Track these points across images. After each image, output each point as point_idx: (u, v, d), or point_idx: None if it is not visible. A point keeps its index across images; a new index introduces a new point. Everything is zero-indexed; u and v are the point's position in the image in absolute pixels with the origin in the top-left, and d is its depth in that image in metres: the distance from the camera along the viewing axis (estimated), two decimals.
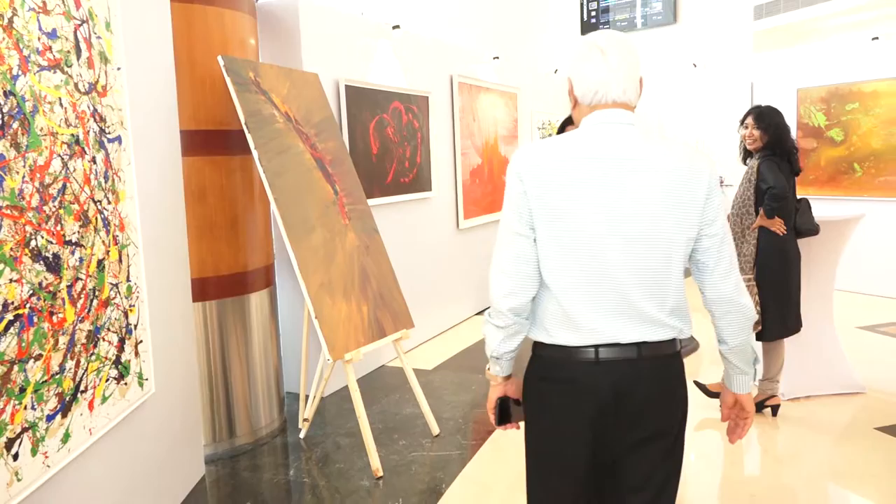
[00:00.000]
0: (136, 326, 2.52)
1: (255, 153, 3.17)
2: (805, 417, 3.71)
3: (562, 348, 1.54)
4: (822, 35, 6.91)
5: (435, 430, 3.65)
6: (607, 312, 1.49)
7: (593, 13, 9.29)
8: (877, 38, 6.36)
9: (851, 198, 6.49)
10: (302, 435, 3.70)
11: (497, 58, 6.59)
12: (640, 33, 8.86)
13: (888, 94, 6.27)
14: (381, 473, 3.19)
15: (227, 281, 3.50)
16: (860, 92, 6.45)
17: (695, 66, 7.77)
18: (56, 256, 2.01)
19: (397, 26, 4.94)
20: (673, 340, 1.56)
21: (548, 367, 1.59)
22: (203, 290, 3.39)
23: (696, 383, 3.90)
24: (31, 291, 1.88)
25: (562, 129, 2.65)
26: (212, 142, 3.38)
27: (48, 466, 1.96)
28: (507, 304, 1.55)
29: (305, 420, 3.70)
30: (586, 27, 9.30)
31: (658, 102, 8.13)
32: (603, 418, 1.53)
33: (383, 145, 4.85)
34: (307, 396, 3.77)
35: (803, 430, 3.55)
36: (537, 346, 1.61)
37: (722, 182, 7.67)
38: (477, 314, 6.40)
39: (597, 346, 1.50)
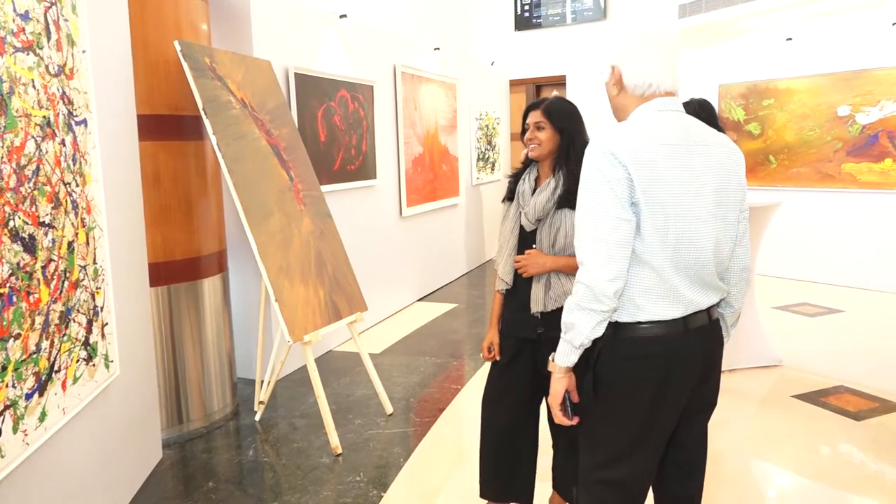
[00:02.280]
0: (101, 309, 2.54)
1: (213, 139, 3.20)
2: (730, 388, 4.03)
3: (650, 325, 1.62)
4: (741, 34, 7.35)
5: (389, 409, 3.77)
6: (693, 284, 1.64)
7: (526, 7, 9.53)
8: (790, 38, 6.83)
9: (767, 188, 6.97)
10: (257, 417, 3.75)
11: (438, 49, 6.72)
12: (570, 28, 9.16)
13: (801, 91, 6.76)
14: (340, 451, 3.30)
15: (180, 266, 3.51)
16: (776, 89, 6.92)
17: None
18: (32, 237, 2.02)
19: (344, 15, 5.00)
20: (720, 301, 1.77)
21: (636, 345, 1.63)
22: (157, 274, 3.39)
23: None
24: (10, 271, 1.90)
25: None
26: (166, 127, 3.38)
27: (27, 444, 1.99)
28: (613, 287, 1.56)
29: (261, 403, 3.76)
30: (520, 21, 9.53)
31: (589, 96, 8.44)
32: (693, 381, 1.69)
33: (331, 133, 4.91)
34: (262, 380, 3.82)
35: (729, 399, 3.86)
36: (619, 328, 1.64)
37: None
38: (419, 300, 6.54)
39: (686, 317, 1.64)
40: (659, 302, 1.61)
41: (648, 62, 1.65)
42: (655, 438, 1.71)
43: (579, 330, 1.61)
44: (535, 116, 2.31)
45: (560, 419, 1.74)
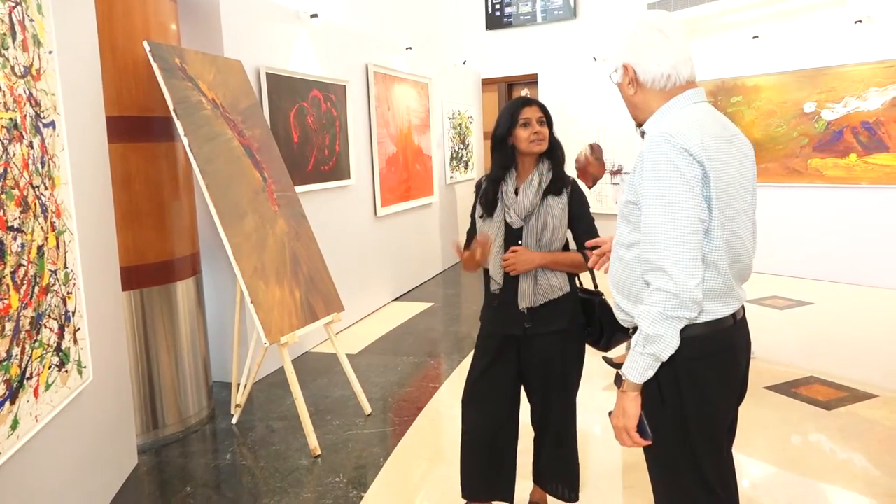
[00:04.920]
0: (73, 314, 2.49)
1: (185, 140, 3.16)
2: None
3: (706, 324, 1.57)
4: (710, 32, 7.46)
5: (367, 409, 3.76)
6: (739, 279, 1.64)
7: (497, 6, 9.56)
8: (757, 36, 6.94)
9: None
10: (234, 421, 3.72)
11: (410, 48, 6.72)
12: (541, 27, 9.21)
13: (767, 89, 6.88)
14: (318, 452, 3.28)
15: (153, 269, 3.46)
16: (743, 86, 7.04)
17: (594, 59, 8.17)
18: (0, 242, 1.98)
19: (315, 15, 4.97)
20: None
21: (698, 345, 1.56)
22: (129, 278, 3.34)
23: (605, 359, 4.22)
24: None
25: (498, 145, 2.39)
26: (136, 128, 3.33)
27: None
28: (700, 292, 1.49)
29: (238, 406, 3.72)
30: (491, 20, 9.56)
31: (561, 94, 8.50)
32: (745, 370, 1.69)
33: (304, 133, 4.88)
34: (239, 383, 3.79)
35: None
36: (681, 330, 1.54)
37: (621, 170, 8.13)
38: (395, 300, 6.53)
39: (735, 312, 1.62)
40: (717, 302, 1.58)
41: (663, 53, 1.59)
42: (723, 436, 1.68)
43: (668, 341, 1.50)
44: (537, 112, 2.33)
45: (635, 442, 1.59)
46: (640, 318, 1.52)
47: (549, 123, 2.35)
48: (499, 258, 2.34)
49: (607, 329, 2.29)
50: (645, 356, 1.52)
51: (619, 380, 1.59)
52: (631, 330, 1.75)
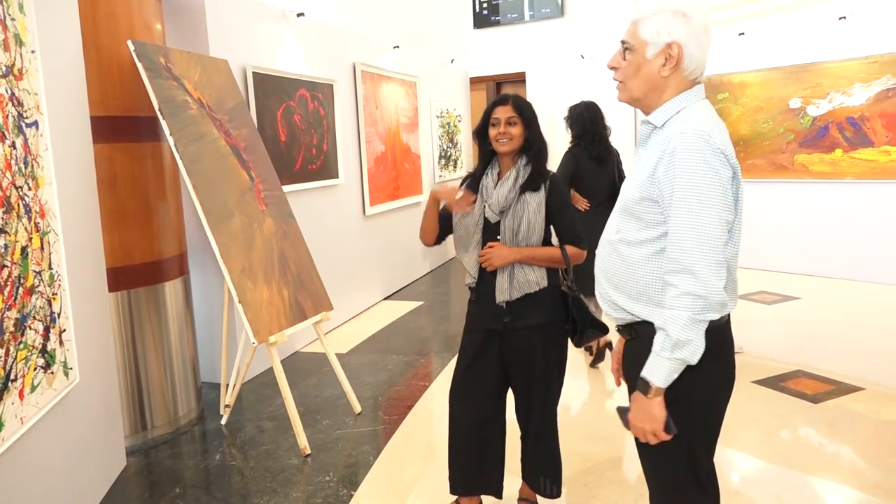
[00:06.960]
0: (59, 315, 2.48)
1: (170, 140, 3.14)
2: None
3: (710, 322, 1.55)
4: None
5: (357, 408, 3.76)
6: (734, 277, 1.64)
7: (485, 4, 9.56)
8: (742, 33, 6.98)
9: None
10: (223, 422, 3.70)
11: (397, 47, 6.71)
12: (529, 26, 9.21)
13: (753, 85, 6.92)
14: (308, 451, 3.27)
15: (140, 270, 3.44)
16: (730, 83, 7.08)
17: (582, 57, 8.19)
18: None
19: (301, 14, 4.95)
20: None
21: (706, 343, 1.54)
22: (116, 279, 3.32)
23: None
24: None
25: (480, 134, 2.46)
26: (121, 128, 3.31)
27: None
28: (725, 294, 1.48)
29: (227, 406, 3.71)
30: (478, 19, 9.55)
31: (549, 93, 8.51)
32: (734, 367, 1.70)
33: (291, 132, 4.86)
34: (228, 384, 3.77)
35: None
36: None
37: None
38: (384, 299, 6.52)
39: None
40: (729, 298, 1.58)
41: (706, 48, 1.59)
42: (719, 432, 1.70)
43: (697, 345, 1.47)
44: (507, 112, 2.33)
45: (659, 438, 1.57)
46: (667, 323, 1.48)
47: (526, 122, 2.34)
48: (475, 253, 2.35)
49: (579, 324, 2.31)
50: (673, 361, 1.49)
51: (643, 385, 1.55)
52: (621, 327, 1.74)
